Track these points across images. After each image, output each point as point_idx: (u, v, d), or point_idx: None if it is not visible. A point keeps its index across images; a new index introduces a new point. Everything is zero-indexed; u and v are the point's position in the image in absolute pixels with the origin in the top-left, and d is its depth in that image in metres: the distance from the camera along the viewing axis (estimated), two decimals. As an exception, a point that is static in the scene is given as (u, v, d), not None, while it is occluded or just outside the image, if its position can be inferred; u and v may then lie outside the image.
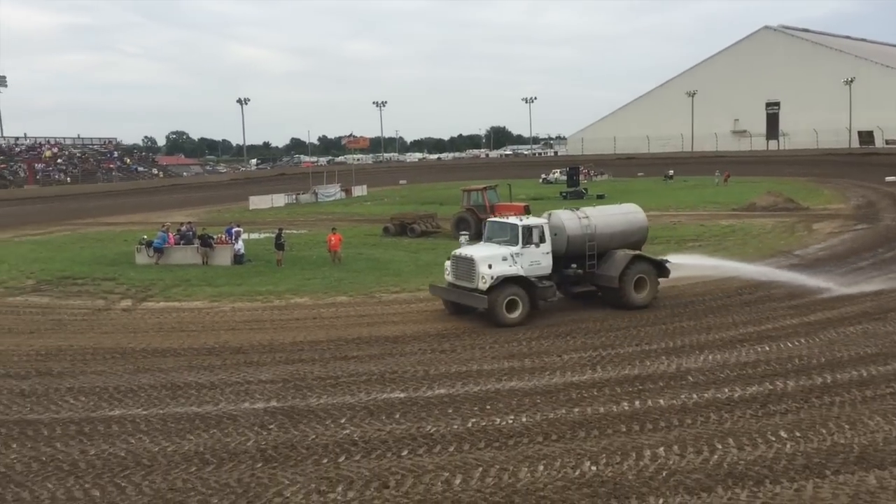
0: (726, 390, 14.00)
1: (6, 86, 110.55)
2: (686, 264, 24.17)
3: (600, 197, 60.34)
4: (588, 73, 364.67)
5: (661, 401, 13.50)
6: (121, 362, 17.23)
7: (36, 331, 20.83)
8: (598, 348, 17.24)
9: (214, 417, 13.28)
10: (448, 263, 21.38)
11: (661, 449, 11.24)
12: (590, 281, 21.60)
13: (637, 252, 21.76)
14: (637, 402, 13.46)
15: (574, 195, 61.63)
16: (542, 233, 20.78)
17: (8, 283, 28.19)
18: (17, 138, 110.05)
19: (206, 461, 11.37)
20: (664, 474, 10.36)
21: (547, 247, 20.83)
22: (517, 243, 20.45)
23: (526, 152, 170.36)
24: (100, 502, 10.11)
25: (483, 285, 19.79)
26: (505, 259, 20.40)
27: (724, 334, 18.19)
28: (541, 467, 10.73)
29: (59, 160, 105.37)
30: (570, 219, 21.58)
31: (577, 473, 10.50)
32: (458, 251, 21.32)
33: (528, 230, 20.55)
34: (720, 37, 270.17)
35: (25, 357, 18.00)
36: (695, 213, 47.70)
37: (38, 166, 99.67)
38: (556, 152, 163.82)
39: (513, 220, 21.34)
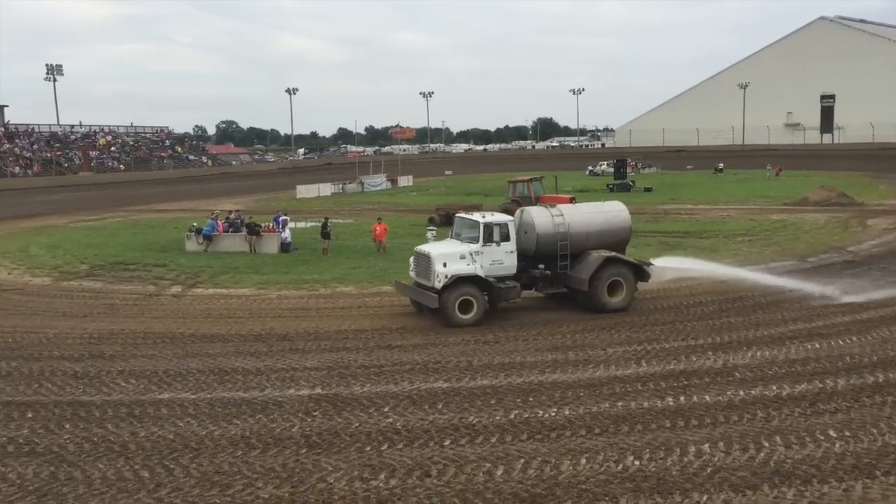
0: (774, 387, 13.77)
1: (63, 74, 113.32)
2: (673, 267, 23.03)
3: (647, 190, 59.75)
4: (637, 64, 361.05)
5: (707, 397, 13.34)
6: (170, 347, 17.59)
7: (89, 314, 21.38)
8: (642, 342, 17.08)
9: (260, 403, 13.48)
10: (412, 260, 21.03)
11: (706, 445, 11.11)
12: (562, 282, 20.72)
13: (610, 254, 20.42)
14: (682, 398, 13.31)
15: (621, 187, 61.05)
16: (506, 231, 19.92)
17: (63, 268, 28.96)
18: (72, 126, 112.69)
19: (251, 445, 11.56)
20: (709, 471, 10.24)
21: (510, 246, 19.95)
22: (478, 241, 19.75)
23: (572, 144, 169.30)
24: (149, 483, 10.34)
25: (438, 284, 19.24)
26: (463, 257, 19.70)
27: (773, 331, 17.86)
28: (583, 460, 10.69)
29: (112, 148, 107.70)
30: (542, 216, 20.75)
31: (619, 467, 10.44)
32: (418, 247, 21.03)
33: (488, 228, 19.76)
34: (774, 28, 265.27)
35: (79, 340, 18.49)
36: (745, 207, 46.90)
37: (93, 154, 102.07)
38: (603, 144, 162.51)
39: (476, 216, 20.51)
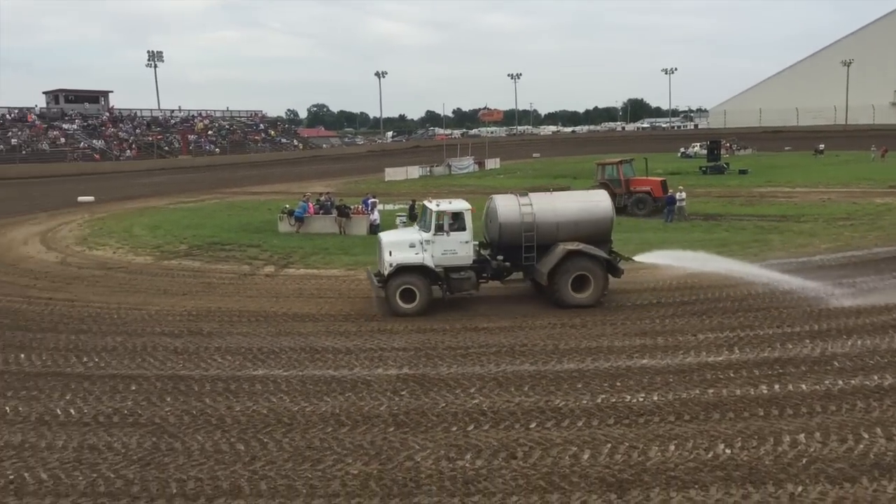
0: (875, 377, 13.21)
1: (163, 61, 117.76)
2: (656, 263, 21.87)
3: (742, 172, 57.91)
4: (731, 43, 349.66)
5: (803, 386, 12.90)
6: (264, 325, 18.13)
7: (188, 292, 22.23)
8: (735, 329, 16.61)
9: (350, 381, 13.78)
10: None
11: (802, 435, 10.76)
12: (527, 275, 20.03)
13: (575, 247, 19.14)
14: (776, 386, 12.92)
15: (714, 170, 59.40)
16: (460, 220, 19.32)
17: (164, 248, 30.18)
18: (172, 111, 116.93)
19: (341, 422, 11.84)
20: (804, 461, 9.94)
21: (466, 236, 19.35)
22: (430, 230, 19.31)
23: (664, 125, 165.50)
24: (244, 455, 10.73)
25: (385, 271, 19.17)
26: (412, 246, 19.35)
27: (875, 318, 17.09)
28: (672, 447, 10.53)
29: (209, 132, 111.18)
30: (507, 205, 19.78)
31: (709, 455, 10.23)
32: (378, 234, 21.15)
33: (439, 217, 19.24)
34: (878, 2, 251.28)
35: (178, 317, 19.25)
36: (847, 190, 44.88)
37: (191, 137, 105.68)
38: (696, 125, 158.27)
39: (432, 204, 19.74)
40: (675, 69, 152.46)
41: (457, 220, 19.37)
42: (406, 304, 18.95)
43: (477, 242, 20.27)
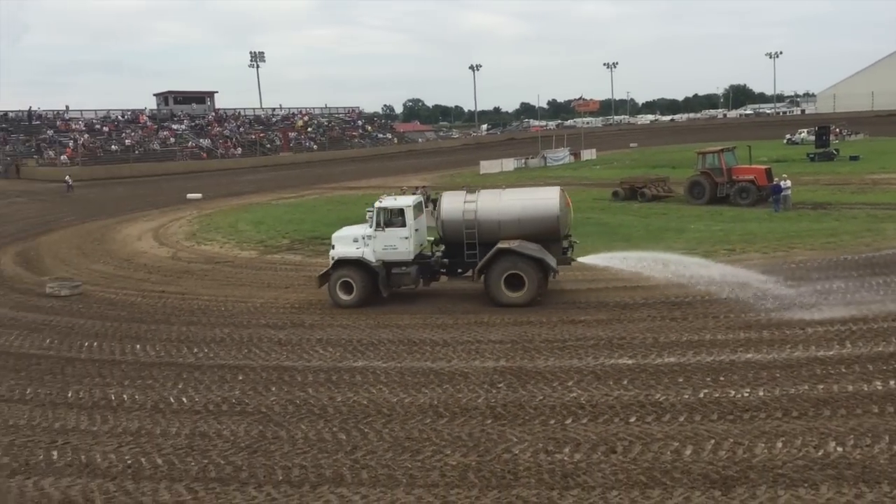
0: None
1: (264, 61, 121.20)
2: (595, 264, 20.87)
3: (854, 158, 55.18)
4: (840, 23, 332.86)
5: (922, 382, 12.25)
6: (363, 318, 18.48)
7: (290, 286, 22.89)
8: (847, 322, 15.86)
9: (447, 373, 13.90)
10: None
11: (920, 434, 10.23)
12: (469, 272, 19.86)
13: (506, 245, 18.94)
14: (892, 382, 12.30)
15: (823, 156, 56.79)
16: (398, 217, 19.72)
17: (267, 242, 31.16)
18: (273, 109, 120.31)
19: (439, 414, 11.97)
20: (923, 462, 9.44)
21: (405, 231, 19.69)
22: (373, 225, 19.80)
23: (768, 111, 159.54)
24: (346, 445, 11.00)
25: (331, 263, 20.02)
26: (356, 240, 20.03)
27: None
28: (779, 444, 10.18)
29: (309, 129, 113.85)
30: (451, 202, 19.89)
31: (819, 453, 9.84)
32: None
33: (379, 213, 19.71)
34: None
35: (282, 309, 19.86)
36: (969, 175, 42.19)
37: (291, 135, 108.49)
38: (802, 110, 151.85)
39: (378, 200, 20.26)
40: (780, 52, 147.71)
41: (396, 217, 19.82)
42: (345, 296, 19.79)
43: (431, 238, 20.76)
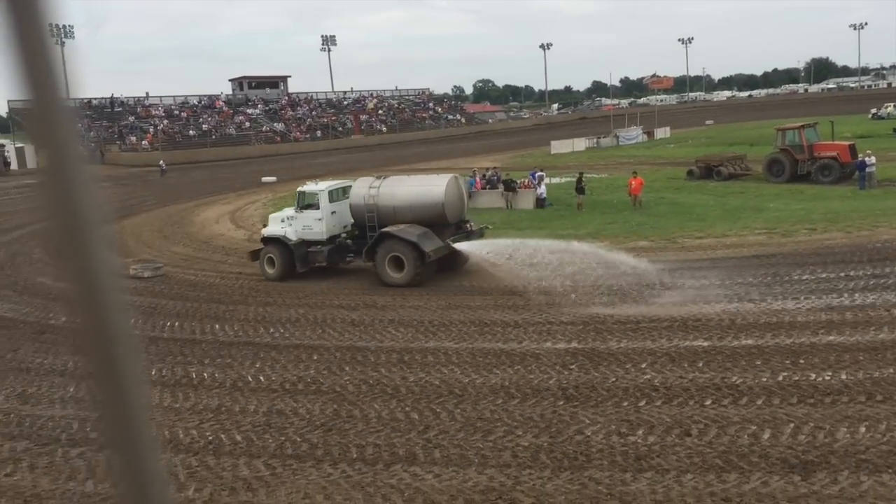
0: None
1: (336, 45, 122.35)
2: (463, 249, 20.98)
3: (944, 132, 52.65)
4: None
5: None
6: (434, 299, 18.61)
7: (361, 267, 23.12)
8: (936, 304, 15.24)
9: (518, 354, 13.90)
10: None
11: None
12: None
13: (387, 230, 20.41)
14: None
15: (911, 131, 54.34)
16: (313, 200, 21.85)
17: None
18: (344, 92, 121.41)
19: (511, 395, 11.99)
20: None
21: (318, 214, 21.70)
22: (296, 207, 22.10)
23: (852, 85, 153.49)
24: (418, 424, 11.12)
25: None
26: (282, 221, 22.29)
27: None
28: (862, 429, 9.87)
29: (379, 111, 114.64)
30: (359, 187, 21.46)
31: (906, 439, 9.51)
32: None
33: (299, 196, 22.12)
34: None
35: (354, 290, 20.15)
36: None
37: (363, 117, 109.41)
38: (889, 84, 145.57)
39: (302, 185, 22.76)
40: (865, 24, 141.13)
41: (312, 200, 21.95)
42: (270, 270, 22.08)
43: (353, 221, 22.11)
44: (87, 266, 1.06)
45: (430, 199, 20.71)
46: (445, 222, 20.88)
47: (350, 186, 22.16)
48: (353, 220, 21.94)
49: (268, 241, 22.35)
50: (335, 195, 22.22)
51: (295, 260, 21.79)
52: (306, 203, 22.05)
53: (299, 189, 22.48)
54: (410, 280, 20.06)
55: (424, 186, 21.33)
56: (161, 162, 65.94)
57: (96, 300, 1.07)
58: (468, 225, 22.14)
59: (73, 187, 1.04)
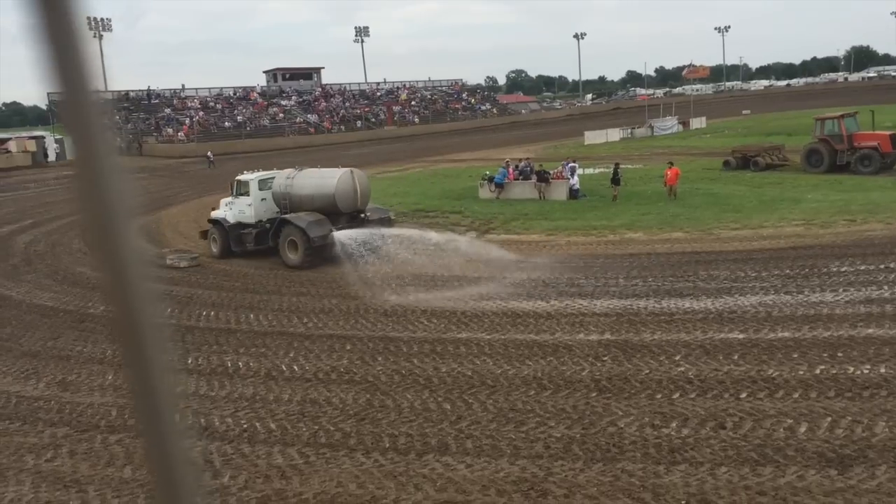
0: None
1: (369, 36, 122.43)
2: (340, 239, 22.62)
3: None
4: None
5: None
6: (466, 290, 18.61)
7: (396, 258, 23.20)
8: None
9: (551, 346, 13.86)
10: None
11: None
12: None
13: (284, 216, 23.16)
14: None
15: (955, 120, 53.03)
16: (244, 187, 24.67)
17: (372, 216, 31.65)
18: (377, 83, 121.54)
19: (543, 386, 11.97)
20: None
21: (249, 200, 24.47)
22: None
23: (893, 73, 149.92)
24: (450, 415, 11.16)
25: None
26: (227, 205, 25.11)
27: None
28: (902, 424, 9.70)
29: (412, 102, 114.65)
30: (279, 177, 24.15)
31: (947, 435, 9.33)
32: None
33: (235, 184, 25.06)
34: None
35: (386, 280, 20.19)
36: None
37: (396, 108, 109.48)
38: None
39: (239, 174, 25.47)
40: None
41: (244, 188, 24.70)
42: (214, 249, 24.98)
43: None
44: (117, 256, 1.07)
45: (324, 191, 23.10)
46: (338, 212, 23.16)
47: (269, 178, 24.86)
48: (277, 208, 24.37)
49: (213, 222, 25.31)
50: (263, 184, 24.64)
51: (230, 240, 24.54)
52: (241, 190, 24.77)
53: (236, 178, 25.26)
54: (301, 262, 22.43)
55: (322, 179, 23.61)
56: (209, 153, 65.56)
57: (126, 289, 1.08)
58: (365, 215, 24.02)
59: (104, 179, 1.06)
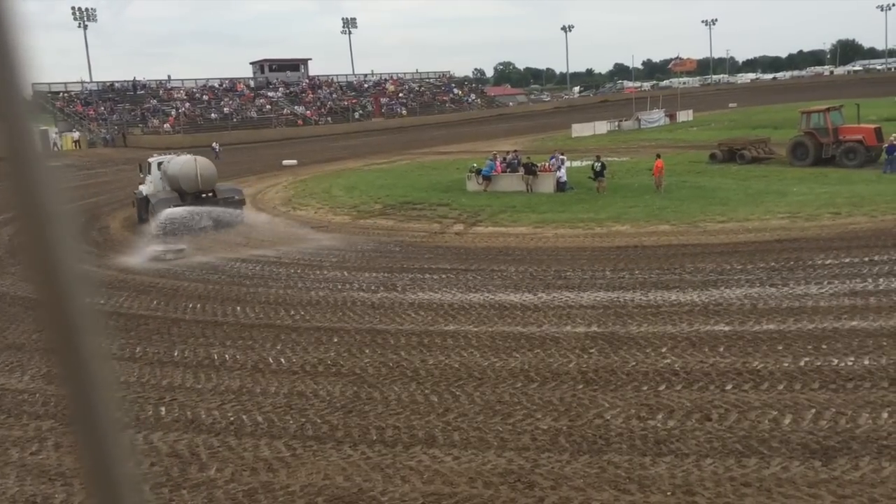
0: None
1: (356, 27, 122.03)
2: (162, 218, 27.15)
3: (974, 115, 51.72)
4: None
5: None
6: (453, 282, 18.62)
7: (383, 250, 23.20)
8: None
9: (538, 338, 13.89)
10: None
11: None
12: None
13: (145, 195, 29.68)
14: None
15: (939, 114, 53.40)
16: (149, 167, 30.46)
17: (360, 207, 31.66)
18: (365, 75, 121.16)
19: (530, 378, 12.00)
20: None
21: (153, 178, 30.12)
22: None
23: (879, 67, 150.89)
24: (437, 407, 11.16)
25: None
26: (148, 183, 30.45)
27: None
28: (885, 414, 9.79)
29: (400, 94, 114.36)
30: (166, 161, 29.91)
31: (929, 426, 9.43)
32: None
33: (145, 165, 30.83)
34: None
35: (374, 273, 20.19)
36: None
37: (383, 100, 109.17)
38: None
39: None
40: (893, 5, 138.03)
41: (149, 168, 30.34)
42: (138, 219, 30.07)
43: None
44: (44, 242, 1.06)
45: (171, 174, 29.02)
46: (184, 192, 28.46)
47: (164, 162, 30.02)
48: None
49: (138, 195, 30.47)
50: (160, 166, 29.97)
51: (140, 210, 29.72)
52: (148, 170, 30.45)
53: (148, 159, 30.90)
54: (155, 230, 26.78)
55: (176, 164, 29.01)
56: (214, 143, 63.88)
57: (54, 276, 1.07)
58: (207, 195, 28.54)
59: (34, 174, 1.04)
